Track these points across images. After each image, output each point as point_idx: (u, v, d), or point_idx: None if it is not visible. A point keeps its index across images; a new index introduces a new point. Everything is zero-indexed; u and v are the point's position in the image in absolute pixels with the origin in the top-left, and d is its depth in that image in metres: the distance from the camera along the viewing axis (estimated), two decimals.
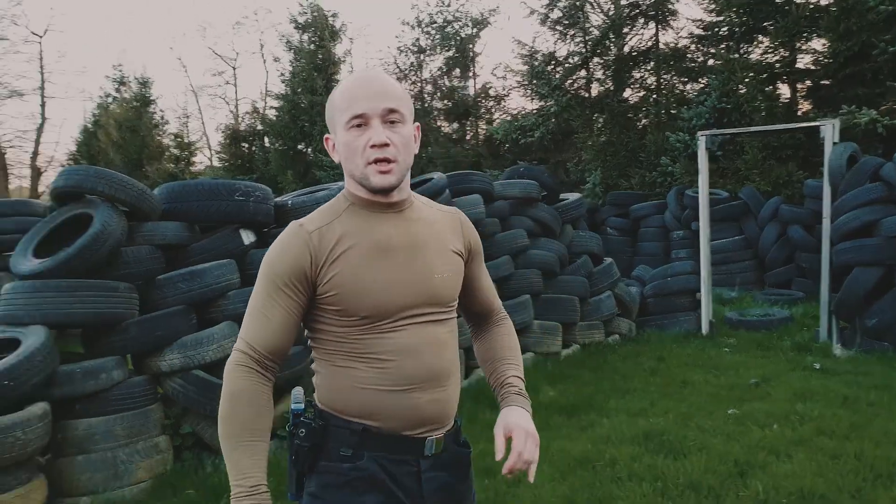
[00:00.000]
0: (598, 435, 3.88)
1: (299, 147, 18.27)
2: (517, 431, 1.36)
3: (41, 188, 30.47)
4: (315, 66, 18.00)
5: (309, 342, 1.42)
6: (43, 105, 32.10)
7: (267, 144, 18.99)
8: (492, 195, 5.83)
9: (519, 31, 39.94)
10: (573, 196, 7.04)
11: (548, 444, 3.80)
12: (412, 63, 16.76)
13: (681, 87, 12.95)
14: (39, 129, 31.50)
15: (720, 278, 9.41)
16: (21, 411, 3.08)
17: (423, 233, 1.39)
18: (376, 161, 1.29)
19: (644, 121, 13.14)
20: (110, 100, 25.29)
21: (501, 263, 5.60)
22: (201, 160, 25.53)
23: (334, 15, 18.95)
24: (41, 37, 32.14)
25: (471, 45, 16.21)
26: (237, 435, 1.29)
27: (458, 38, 16.15)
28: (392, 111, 1.30)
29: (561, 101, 13.21)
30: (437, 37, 16.36)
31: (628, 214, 10.90)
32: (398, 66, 16.76)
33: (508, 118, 14.91)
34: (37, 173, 31.03)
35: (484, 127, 15.89)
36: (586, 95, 13.74)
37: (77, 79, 53.37)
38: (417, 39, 16.71)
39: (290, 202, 4.48)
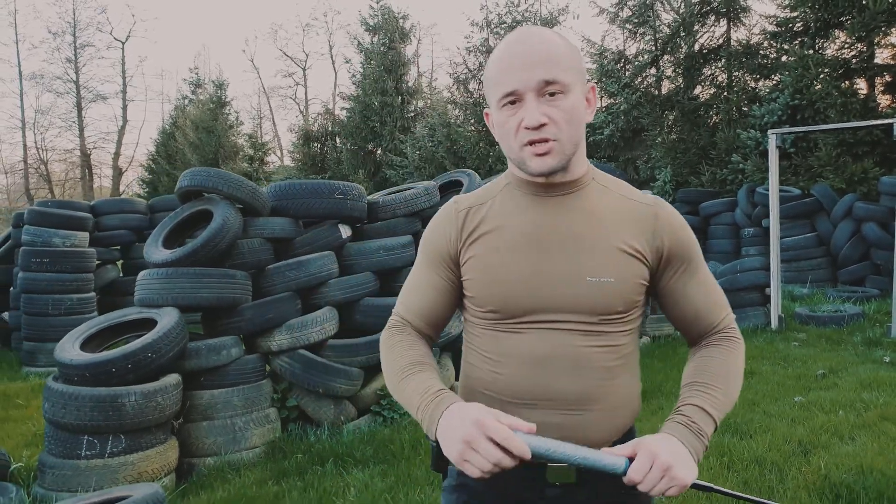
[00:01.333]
0: (667, 417, 4.15)
1: (369, 147, 18.92)
2: (644, 450, 1.04)
3: (122, 187, 32.36)
4: (385, 68, 18.60)
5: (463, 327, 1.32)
6: (124, 108, 34.12)
7: (338, 144, 19.71)
8: None
9: (588, 30, 39.84)
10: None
11: None
12: (481, 63, 17.10)
13: (753, 84, 12.82)
14: (121, 131, 33.47)
15: (792, 275, 9.40)
16: (160, 380, 3.57)
17: (582, 224, 1.18)
18: (531, 143, 1.12)
19: (715, 118, 13.08)
20: (187, 102, 26.59)
21: None
22: (274, 160, 26.61)
23: (404, 17, 19.53)
24: (123, 42, 34.00)
25: None
26: (404, 369, 1.20)
27: None
28: (549, 83, 1.10)
29: (630, 99, 13.30)
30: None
31: (698, 212, 10.95)
32: (467, 67, 17.14)
33: None
34: (118, 173, 32.97)
35: None
36: (656, 93, 13.77)
37: (156, 82, 56.33)
38: (486, 40, 17.04)
39: (381, 200, 4.90)
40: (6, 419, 4.81)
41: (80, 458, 3.21)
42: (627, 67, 13.94)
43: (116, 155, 33.27)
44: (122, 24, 43.74)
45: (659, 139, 12.96)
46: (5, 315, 7.37)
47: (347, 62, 20.82)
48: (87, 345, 3.60)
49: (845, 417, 3.98)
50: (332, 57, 27.28)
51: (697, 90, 13.57)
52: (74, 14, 32.87)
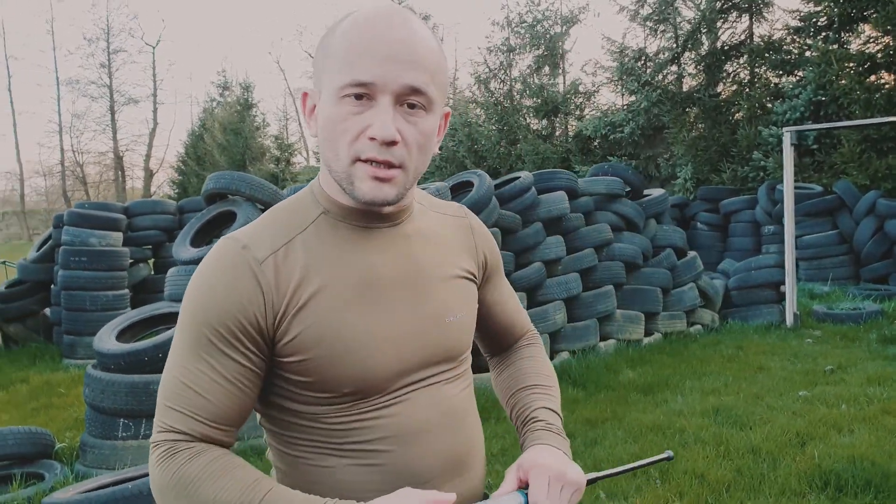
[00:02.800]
0: (671, 409, 4.29)
1: None
2: (536, 471, 0.94)
3: (153, 188, 33.14)
4: None
5: (260, 421, 0.99)
6: (155, 111, 34.99)
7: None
8: (576, 192, 6.28)
9: (608, 28, 39.62)
10: (657, 191, 7.35)
11: (623, 415, 4.25)
12: (501, 62, 17.25)
13: (775, 80, 12.78)
14: (151, 134, 34.29)
15: (813, 273, 9.39)
16: None
17: (424, 255, 0.98)
18: (371, 161, 0.86)
19: (737, 115, 13.06)
20: (215, 104, 27.14)
21: (585, 256, 6.06)
22: (300, 161, 27.03)
23: (426, 17, 19.75)
24: (154, 47, 34.85)
25: (560, 43, 16.52)
26: (243, 499, 0.84)
27: (548, 36, 16.49)
28: (416, 91, 0.86)
29: (651, 97, 13.34)
30: (527, 36, 16.76)
31: (719, 210, 10.98)
32: (488, 66, 17.29)
33: (598, 114, 15.14)
34: (149, 174, 33.77)
35: (573, 123, 16.17)
36: (677, 90, 13.78)
37: (185, 85, 57.44)
38: (507, 39, 17.18)
39: None
40: (50, 406, 5.14)
41: (116, 439, 3.50)
42: (648, 65, 13.98)
43: (147, 157, 34.10)
44: (152, 29, 44.72)
45: (680, 136, 12.99)
46: (47, 311, 7.75)
47: None
48: (122, 336, 3.87)
49: (847, 411, 4.08)
50: None
51: (719, 87, 13.56)
52: (108, 20, 33.81)
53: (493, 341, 1.22)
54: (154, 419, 0.92)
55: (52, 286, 7.48)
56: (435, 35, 0.93)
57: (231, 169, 20.87)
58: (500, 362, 1.22)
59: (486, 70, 17.31)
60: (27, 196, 35.21)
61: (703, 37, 13.24)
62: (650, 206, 6.98)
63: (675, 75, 13.92)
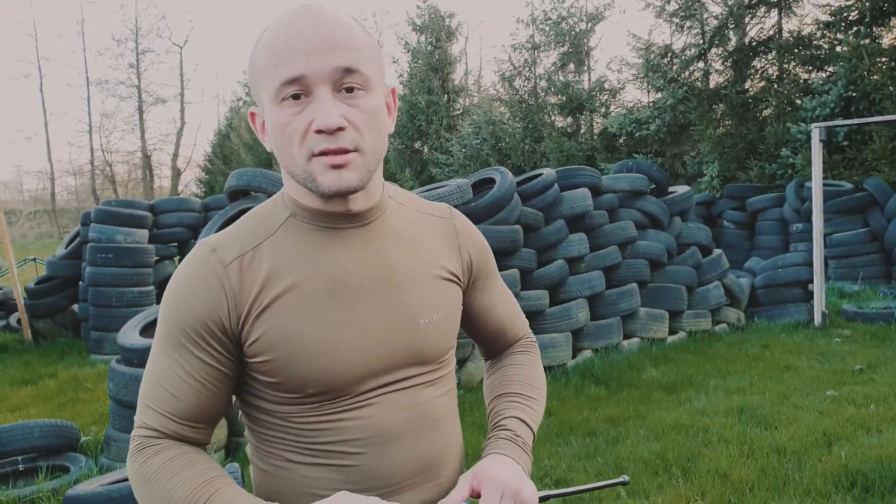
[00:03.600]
0: (695, 408, 4.23)
1: (416, 145, 19.22)
2: (489, 483, 0.93)
3: (181, 187, 33.62)
4: (431, 67, 18.86)
5: (241, 417, 1.01)
6: (182, 110, 35.45)
7: (389, 135, 20.09)
8: (600, 189, 6.21)
9: (634, 25, 39.35)
10: (682, 189, 7.26)
11: (646, 414, 4.20)
12: (526, 60, 17.16)
13: (804, 76, 12.54)
14: (179, 133, 34.81)
15: (843, 272, 9.19)
16: None
17: (398, 256, 0.97)
18: (325, 153, 0.86)
19: (765, 112, 12.84)
20: (241, 103, 27.47)
21: (609, 253, 6.00)
22: None
23: (451, 15, 19.74)
24: (181, 47, 35.30)
25: (585, 40, 16.39)
26: (191, 499, 0.86)
27: (573, 33, 16.38)
28: (348, 71, 0.85)
29: (677, 94, 13.18)
30: (552, 33, 16.66)
31: (745, 207, 10.81)
32: (512, 64, 17.22)
33: (623, 111, 15.00)
34: (177, 173, 34.27)
35: (598, 121, 16.04)
36: (703, 87, 13.59)
37: (212, 84, 58.21)
38: (532, 36, 17.08)
39: None
40: (77, 400, 5.23)
41: None
42: (674, 62, 13.80)
43: (175, 156, 34.59)
44: (180, 29, 45.37)
45: (706, 134, 12.81)
46: (75, 307, 7.89)
47: (395, 62, 21.15)
48: (145, 331, 3.92)
49: (875, 411, 3.98)
50: None
51: (747, 83, 13.34)
52: (136, 21, 34.28)
53: (485, 345, 1.21)
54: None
55: (80, 283, 7.61)
56: (357, 20, 0.92)
57: (257, 167, 21.09)
58: (491, 366, 1.21)
59: (511, 68, 17.22)
60: (58, 195, 35.95)
61: (731, 32, 13.03)
62: (675, 203, 6.89)
63: (702, 72, 13.73)
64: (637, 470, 3.32)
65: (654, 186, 6.86)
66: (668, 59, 13.97)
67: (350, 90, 0.86)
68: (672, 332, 6.39)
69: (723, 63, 13.47)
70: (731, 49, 13.13)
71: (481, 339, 1.19)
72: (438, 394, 1.00)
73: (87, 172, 35.49)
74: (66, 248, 8.11)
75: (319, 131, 0.84)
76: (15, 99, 62.74)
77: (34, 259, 15.10)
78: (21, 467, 3.62)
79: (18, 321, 8.09)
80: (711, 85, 13.68)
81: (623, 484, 1.07)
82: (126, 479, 2.86)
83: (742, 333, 6.52)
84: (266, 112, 0.89)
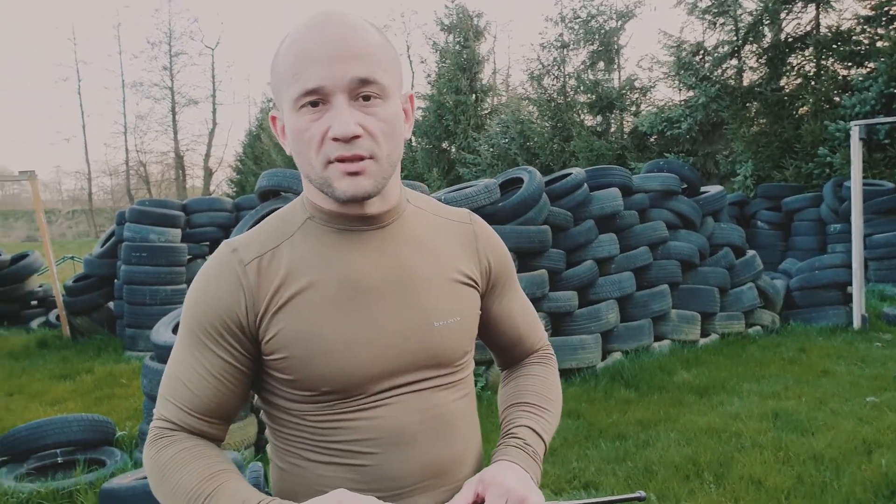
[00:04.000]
0: (727, 412, 4.15)
1: (443, 145, 19.22)
2: (494, 489, 0.92)
3: (212, 187, 34.12)
4: (459, 66, 18.85)
5: (262, 415, 1.04)
6: (214, 111, 35.97)
7: (413, 144, 20.13)
8: (630, 189, 6.14)
9: (665, 22, 38.78)
10: (715, 188, 7.14)
11: (677, 417, 4.14)
12: (555, 59, 17.05)
13: (843, 72, 12.24)
14: (211, 134, 35.30)
15: (884, 274, 8.95)
16: None
17: (414, 259, 0.98)
18: (341, 160, 0.88)
19: (801, 109, 12.56)
20: (271, 104, 27.76)
21: (640, 254, 5.92)
22: None
23: (479, 15, 19.70)
24: (213, 49, 35.83)
25: (615, 38, 16.23)
26: (196, 492, 0.89)
27: (603, 31, 16.22)
28: (365, 82, 0.87)
29: (709, 92, 12.96)
30: (581, 31, 16.52)
31: (780, 208, 10.59)
32: (541, 63, 17.12)
33: (654, 110, 14.81)
34: (208, 173, 34.78)
35: (629, 119, 15.86)
36: (737, 85, 13.36)
37: (243, 86, 59.04)
38: (561, 35, 16.96)
39: (442, 198, 5.10)
40: (112, 396, 5.34)
41: None
42: (706, 59, 13.58)
43: (207, 156, 35.12)
44: (212, 32, 46.07)
45: (740, 132, 12.58)
46: (111, 304, 8.06)
47: (423, 62, 21.19)
48: (178, 329, 3.97)
49: None
50: (409, 57, 27.77)
51: (782, 81, 13.07)
52: (170, 24, 34.90)
53: (501, 353, 1.20)
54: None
55: (115, 281, 7.76)
56: (377, 27, 0.94)
57: (287, 167, 21.29)
58: (507, 376, 1.20)
59: (540, 66, 17.13)
60: (94, 194, 36.78)
61: (766, 29, 12.78)
62: (707, 203, 6.78)
63: (735, 69, 13.49)
64: (668, 474, 3.27)
65: (685, 186, 6.76)
66: (701, 56, 13.75)
67: (367, 98, 0.88)
68: (704, 334, 6.29)
69: (757, 60, 13.21)
70: (765, 46, 12.88)
71: (497, 346, 1.18)
72: (454, 397, 1.01)
73: (122, 172, 36.25)
74: (101, 246, 8.28)
75: (336, 139, 0.87)
76: (55, 102, 64.50)
77: (72, 257, 15.47)
78: (60, 460, 3.70)
79: (57, 318, 8.28)
80: (745, 82, 13.43)
81: (640, 500, 1.03)
82: None
83: (777, 336, 6.39)
84: (286, 118, 0.92)
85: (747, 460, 3.34)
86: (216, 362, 0.94)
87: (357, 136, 0.87)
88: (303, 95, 0.87)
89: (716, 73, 13.37)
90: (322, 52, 0.86)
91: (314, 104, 0.87)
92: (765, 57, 12.93)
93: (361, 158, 0.88)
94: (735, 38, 13.23)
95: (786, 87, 13.02)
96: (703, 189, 7.06)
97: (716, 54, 13.53)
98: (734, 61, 13.44)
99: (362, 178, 0.88)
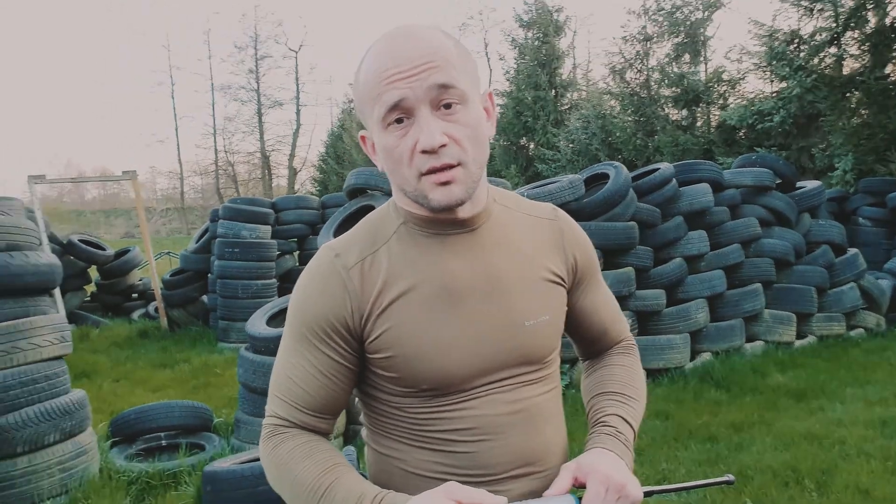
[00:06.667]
0: (829, 418, 3.95)
1: (522, 142, 19.10)
2: (594, 476, 0.94)
3: (297, 185, 35.16)
4: (539, 62, 18.68)
5: (358, 404, 1.09)
6: (298, 112, 36.98)
7: (491, 141, 20.13)
8: (721, 184, 5.93)
9: (756, 11, 36.94)
10: (812, 184, 6.79)
11: (772, 421, 3.97)
12: (638, 52, 16.63)
13: None
14: (295, 134, 36.34)
15: None
16: None
17: (504, 260, 1.01)
18: (432, 171, 0.91)
19: None
20: (352, 105, 28.32)
21: (731, 251, 5.71)
22: None
23: (558, 10, 19.46)
24: (297, 52, 36.81)
25: (701, 30, 15.67)
26: (315, 487, 0.94)
27: (688, 22, 15.70)
28: (443, 87, 0.89)
29: (804, 83, 12.32)
30: (665, 23, 16.04)
31: (885, 203, 9.94)
32: (623, 56, 16.74)
33: (744, 103, 14.20)
34: (293, 173, 35.85)
35: (716, 113, 15.29)
36: (836, 74, 12.63)
37: (325, 88, 60.60)
38: (644, 27, 16.53)
39: (525, 194, 5.08)
40: (207, 384, 5.62)
41: None
42: (802, 48, 12.90)
43: (291, 156, 36.25)
44: (295, 35, 47.51)
45: (839, 124, 11.90)
46: (205, 297, 8.46)
47: (501, 59, 21.11)
48: (272, 321, 4.13)
49: None
50: (486, 55, 27.79)
51: (887, 69, 12.26)
52: (256, 29, 36.18)
53: (585, 346, 1.22)
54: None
55: (209, 275, 8.13)
56: (447, 33, 0.96)
57: (371, 166, 21.71)
58: (590, 367, 1.22)
59: (622, 60, 16.75)
60: (186, 193, 38.63)
61: (869, 14, 12.02)
62: (804, 199, 6.46)
63: (834, 58, 12.76)
64: (765, 480, 3.14)
65: (780, 181, 6.46)
66: (795, 45, 13.07)
67: (448, 106, 0.90)
68: (800, 335, 6.00)
69: (859, 47, 12.45)
70: (869, 32, 12.11)
71: (582, 339, 1.21)
72: (542, 391, 1.04)
73: (212, 172, 37.89)
74: (196, 242, 8.70)
75: (424, 151, 0.90)
76: (150, 106, 68.12)
77: (168, 253, 16.33)
78: (164, 443, 3.93)
79: (156, 310, 8.76)
80: (845, 72, 12.69)
81: (728, 483, 1.05)
82: (256, 459, 3.03)
83: (882, 339, 6.02)
84: (375, 136, 0.96)
85: (852, 469, 3.16)
86: (325, 361, 0.99)
87: (443, 146, 0.89)
88: (388, 113, 0.90)
89: (812, 63, 12.69)
90: (397, 67, 0.89)
91: (399, 121, 0.91)
92: (868, 44, 12.17)
93: (450, 167, 0.91)
94: (834, 25, 12.51)
95: (892, 75, 12.22)
96: (798, 184, 6.73)
97: (812, 42, 12.83)
98: (833, 49, 12.71)
99: (453, 187, 0.91)
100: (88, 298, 9.74)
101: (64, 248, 8.85)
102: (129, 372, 6.20)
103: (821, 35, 12.78)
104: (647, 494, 0.98)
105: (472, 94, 0.93)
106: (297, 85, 36.90)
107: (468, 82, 0.92)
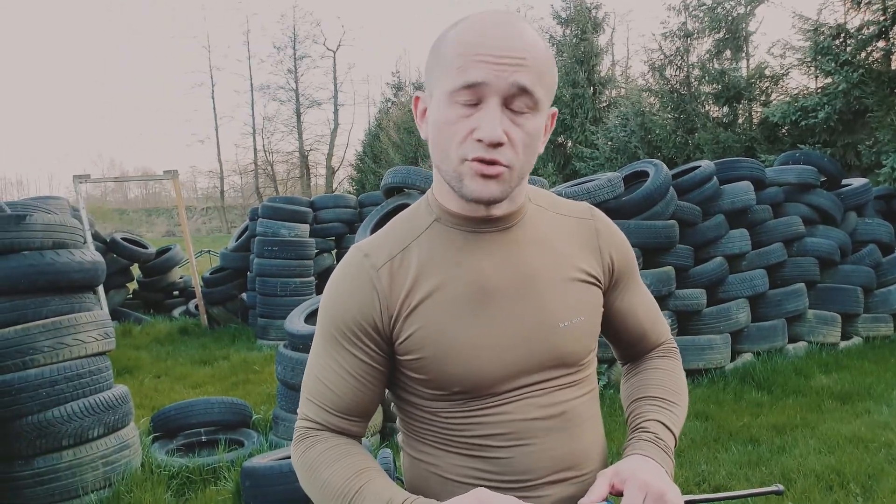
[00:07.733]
0: (875, 421, 3.84)
1: (559, 140, 18.95)
2: (633, 483, 0.91)
3: (335, 184, 35.48)
4: (577, 59, 18.52)
5: (393, 408, 1.07)
6: (336, 112, 37.31)
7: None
8: (763, 182, 5.80)
9: (800, 5, 35.97)
10: (858, 181, 6.61)
11: (816, 424, 3.87)
12: (678, 48, 16.36)
13: None
14: (333, 134, 36.66)
15: None
16: None
17: (538, 260, 0.99)
18: (479, 160, 0.88)
19: None
20: (389, 104, 28.46)
21: (773, 250, 5.59)
22: None
23: (597, 6, 19.26)
24: (334, 52, 37.12)
25: (743, 25, 15.35)
26: (344, 491, 0.93)
27: (730, 18, 15.39)
28: (525, 92, 0.87)
29: (851, 78, 11.97)
30: (706, 19, 15.75)
31: None
32: (663, 53, 16.49)
33: (787, 99, 13.86)
34: (331, 172, 36.18)
35: (758, 110, 14.96)
36: (884, 69, 12.24)
37: (362, 87, 61.08)
38: (684, 23, 16.26)
39: (564, 192, 5.04)
40: (246, 381, 5.71)
41: None
42: (848, 42, 12.54)
43: (329, 155, 36.60)
44: (333, 34, 47.97)
45: (887, 121, 11.53)
46: (244, 295, 8.60)
47: None
48: (310, 319, 4.18)
49: None
50: None
51: None
52: (294, 29, 36.60)
53: (624, 348, 1.19)
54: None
55: (248, 273, 8.27)
56: (543, 38, 0.93)
57: (403, 166, 21.78)
58: (629, 370, 1.19)
59: (661, 57, 16.50)
60: (226, 192, 39.30)
61: None
62: (850, 197, 6.29)
63: (883, 52, 12.37)
64: (808, 484, 3.07)
65: (824, 179, 6.30)
66: (842, 39, 12.71)
67: (518, 108, 0.88)
68: (845, 336, 5.84)
69: None
70: None
71: (620, 342, 1.17)
72: (578, 395, 1.01)
73: (251, 171, 38.49)
74: (236, 241, 8.84)
75: (480, 140, 0.87)
76: (191, 106, 69.67)
77: (208, 251, 16.65)
78: (203, 438, 4.01)
79: (196, 307, 8.94)
80: (893, 66, 12.29)
81: (777, 493, 1.00)
82: None
83: None
84: (434, 104, 0.92)
85: None
86: (354, 363, 0.98)
87: (500, 144, 0.87)
88: (462, 89, 0.87)
89: (859, 57, 12.32)
90: (493, 50, 0.86)
91: (468, 102, 0.87)
92: None
93: (499, 164, 0.88)
94: (883, 18, 12.14)
95: None
96: (844, 182, 6.55)
97: (860, 36, 12.47)
98: (881, 43, 12.33)
99: (494, 184, 0.89)
100: (130, 296, 9.98)
101: (107, 246, 9.08)
102: (169, 368, 6.34)
103: (868, 29, 12.40)
104: None
105: (543, 106, 0.91)
106: (335, 84, 37.25)
107: (545, 94, 0.90)
